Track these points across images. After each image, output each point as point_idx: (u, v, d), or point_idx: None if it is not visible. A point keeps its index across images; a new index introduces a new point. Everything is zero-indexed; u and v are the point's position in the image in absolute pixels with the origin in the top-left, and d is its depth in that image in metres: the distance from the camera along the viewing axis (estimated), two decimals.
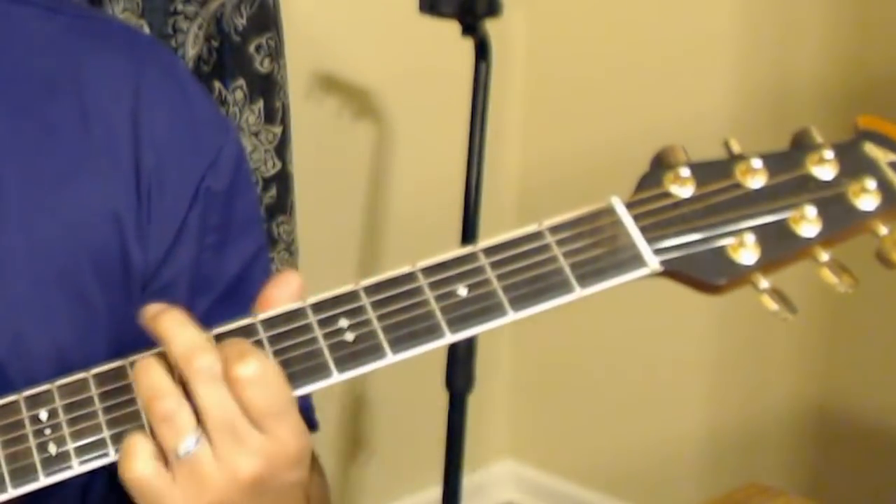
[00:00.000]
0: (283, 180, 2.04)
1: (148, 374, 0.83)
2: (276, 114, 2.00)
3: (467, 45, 2.04)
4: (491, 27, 2.03)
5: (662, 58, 2.52)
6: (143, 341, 1.07)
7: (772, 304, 0.83)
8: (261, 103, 1.97)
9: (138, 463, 0.82)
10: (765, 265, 0.83)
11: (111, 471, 1.18)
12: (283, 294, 0.86)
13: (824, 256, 0.84)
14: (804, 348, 2.44)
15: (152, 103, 1.06)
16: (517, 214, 2.67)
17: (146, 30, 1.81)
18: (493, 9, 2.02)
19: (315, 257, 2.16)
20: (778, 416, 2.51)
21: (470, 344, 2.02)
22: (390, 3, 2.34)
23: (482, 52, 2.04)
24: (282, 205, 2.03)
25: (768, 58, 2.41)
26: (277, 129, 2.01)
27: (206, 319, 1.07)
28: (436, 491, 2.14)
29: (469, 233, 2.05)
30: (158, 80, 1.08)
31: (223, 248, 1.08)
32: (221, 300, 1.07)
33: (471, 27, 2.03)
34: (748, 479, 1.93)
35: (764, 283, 0.83)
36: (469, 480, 2.24)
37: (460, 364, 2.02)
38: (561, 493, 2.81)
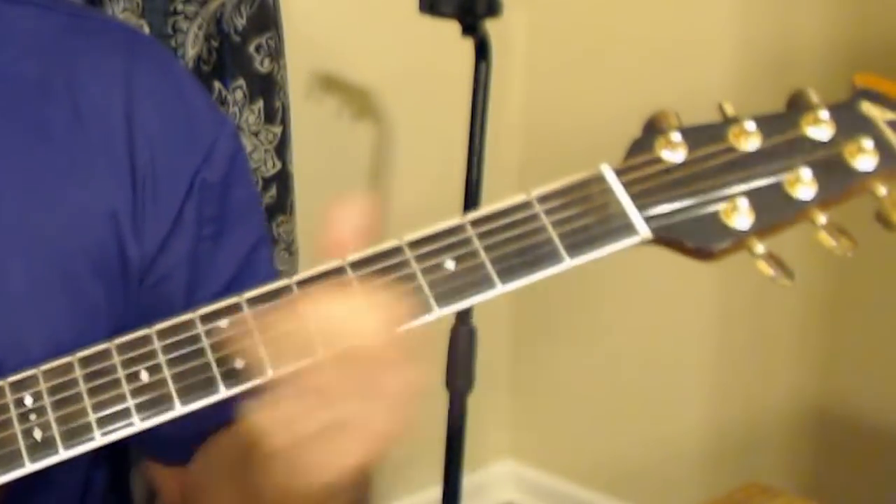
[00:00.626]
0: (283, 180, 2.04)
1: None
2: (276, 114, 2.00)
3: (467, 45, 2.04)
4: (491, 27, 2.03)
5: (662, 58, 2.52)
6: None
7: (768, 270, 0.81)
8: (261, 103, 1.97)
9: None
10: (760, 230, 0.81)
11: (112, 470, 1.18)
12: (348, 221, 0.85)
13: (821, 219, 0.81)
14: (804, 348, 2.44)
15: (145, 98, 1.06)
16: None
17: (146, 30, 1.81)
18: (493, 9, 2.02)
19: (315, 257, 2.15)
20: (778, 416, 2.51)
21: (470, 344, 2.02)
22: (390, 3, 2.34)
23: (482, 52, 2.04)
24: (282, 205, 2.03)
25: (768, 55, 2.41)
26: (277, 129, 2.01)
27: None
28: (436, 491, 2.14)
29: None
30: (151, 75, 1.08)
31: (220, 238, 1.08)
32: (222, 292, 1.07)
33: (471, 27, 2.03)
34: (748, 479, 1.93)
35: (760, 248, 0.81)
36: (469, 480, 2.24)
37: (460, 364, 2.02)
38: (561, 493, 2.81)
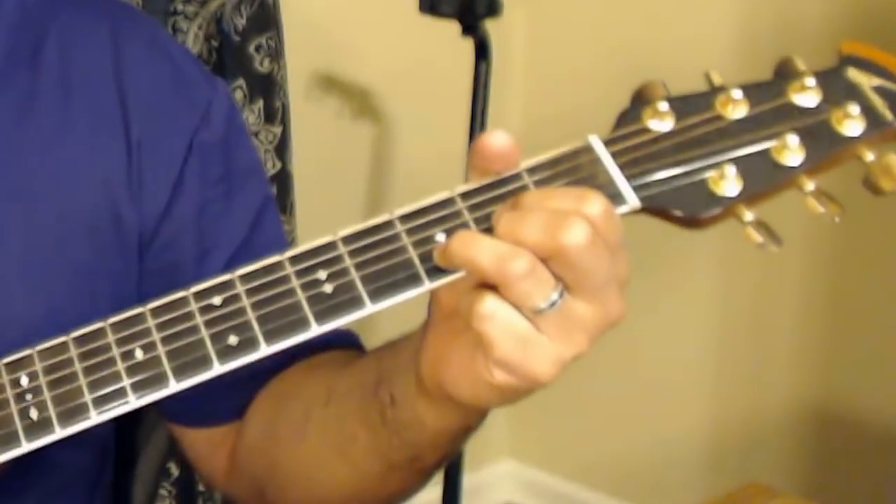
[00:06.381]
0: (283, 180, 2.04)
1: (482, 242, 0.79)
2: (276, 114, 2.00)
3: (467, 45, 2.04)
4: (491, 27, 2.03)
5: (663, 58, 2.52)
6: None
7: (756, 237, 0.81)
8: (261, 103, 1.98)
9: (503, 314, 0.79)
10: (748, 196, 0.81)
11: (114, 470, 1.17)
12: (494, 145, 0.83)
13: (809, 186, 0.82)
14: (804, 348, 2.44)
15: (135, 65, 1.07)
16: None
17: None
18: (493, 9, 2.02)
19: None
20: (778, 416, 2.51)
21: None
22: (390, 3, 2.34)
23: (482, 52, 2.04)
24: (282, 205, 2.03)
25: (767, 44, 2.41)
26: (277, 129, 2.01)
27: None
28: (436, 491, 2.14)
29: None
30: (138, 41, 1.09)
31: (229, 200, 1.08)
32: (238, 253, 1.07)
33: (471, 27, 2.03)
34: (748, 479, 1.93)
35: (748, 215, 0.81)
36: (469, 480, 2.24)
37: None
38: (561, 493, 2.81)
